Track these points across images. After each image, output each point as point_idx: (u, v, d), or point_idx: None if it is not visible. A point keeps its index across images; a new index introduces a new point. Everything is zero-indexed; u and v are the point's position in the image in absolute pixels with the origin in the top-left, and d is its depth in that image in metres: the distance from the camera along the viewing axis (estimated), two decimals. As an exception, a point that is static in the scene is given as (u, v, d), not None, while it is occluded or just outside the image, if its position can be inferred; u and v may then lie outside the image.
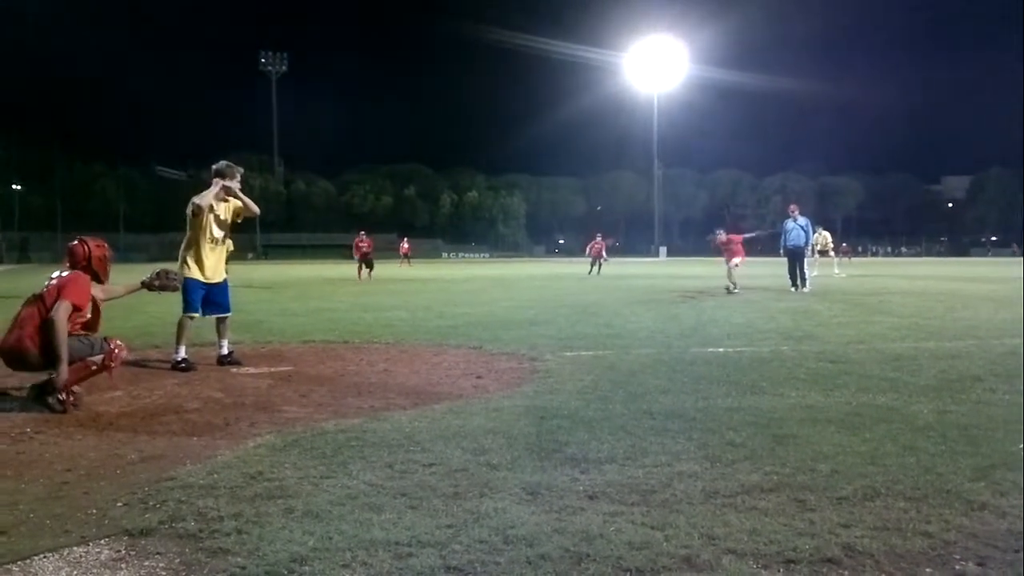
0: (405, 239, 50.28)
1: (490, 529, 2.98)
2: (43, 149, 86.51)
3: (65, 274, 5.80)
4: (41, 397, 5.36)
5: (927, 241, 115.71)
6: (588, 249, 33.67)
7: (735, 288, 17.52)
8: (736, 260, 18.27)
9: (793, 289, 18.08)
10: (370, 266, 28.29)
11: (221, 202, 7.46)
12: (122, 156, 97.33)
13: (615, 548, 2.79)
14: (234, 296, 7.93)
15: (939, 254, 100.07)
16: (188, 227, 7.41)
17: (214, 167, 7.54)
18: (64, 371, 5.30)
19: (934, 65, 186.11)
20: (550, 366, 7.06)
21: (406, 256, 47.47)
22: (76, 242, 5.97)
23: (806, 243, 18.88)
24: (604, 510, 3.19)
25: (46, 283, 5.72)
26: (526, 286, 22.57)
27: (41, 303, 5.57)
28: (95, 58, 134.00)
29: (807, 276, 18.51)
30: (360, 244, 29.08)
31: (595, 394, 5.70)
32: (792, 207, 19.55)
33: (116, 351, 5.65)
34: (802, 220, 18.79)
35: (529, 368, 7.01)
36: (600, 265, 32.14)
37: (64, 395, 5.35)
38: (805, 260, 18.58)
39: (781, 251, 18.93)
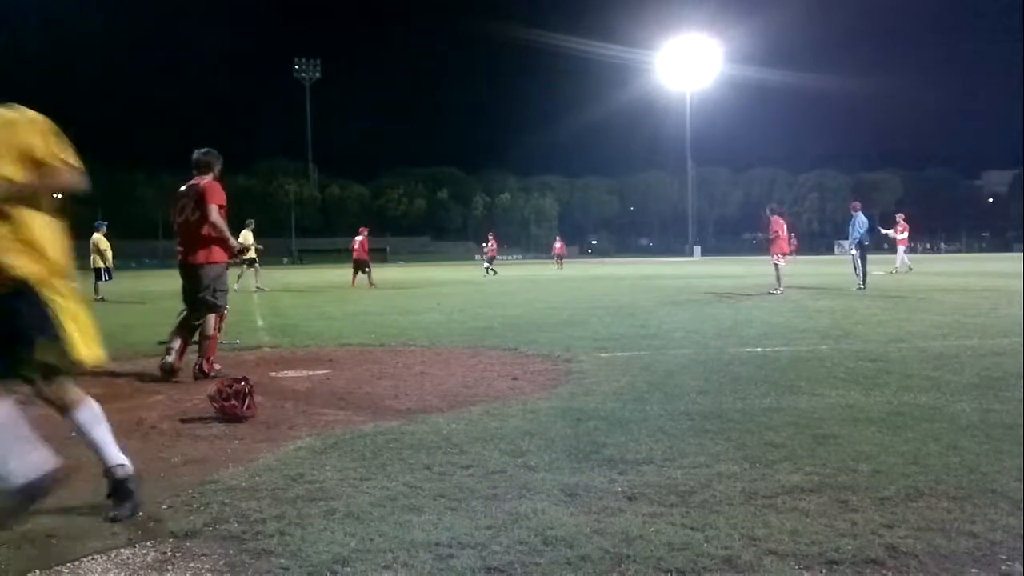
0: (558, 239, 47.14)
1: (529, 530, 2.98)
2: (83, 158, 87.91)
3: (202, 183, 6.87)
4: (200, 373, 6.81)
5: (967, 237, 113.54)
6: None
7: (777, 288, 16.79)
8: (782, 256, 17.61)
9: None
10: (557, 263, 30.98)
11: None
12: (160, 164, 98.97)
13: (655, 549, 2.79)
14: (272, 300, 8.08)
15: (980, 250, 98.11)
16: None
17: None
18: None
19: (973, 57, 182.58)
20: (585, 367, 7.05)
21: (560, 258, 44.70)
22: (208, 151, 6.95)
23: (850, 242, 18.68)
24: (643, 511, 3.19)
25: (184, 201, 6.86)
26: (560, 287, 22.55)
27: (194, 205, 6.81)
28: (132, 70, 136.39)
29: (860, 275, 17.96)
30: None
31: (631, 395, 5.68)
32: (852, 204, 19.53)
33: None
34: (857, 218, 18.59)
35: (564, 369, 7.00)
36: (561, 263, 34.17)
37: (208, 368, 6.84)
38: (855, 258, 18.34)
39: None
